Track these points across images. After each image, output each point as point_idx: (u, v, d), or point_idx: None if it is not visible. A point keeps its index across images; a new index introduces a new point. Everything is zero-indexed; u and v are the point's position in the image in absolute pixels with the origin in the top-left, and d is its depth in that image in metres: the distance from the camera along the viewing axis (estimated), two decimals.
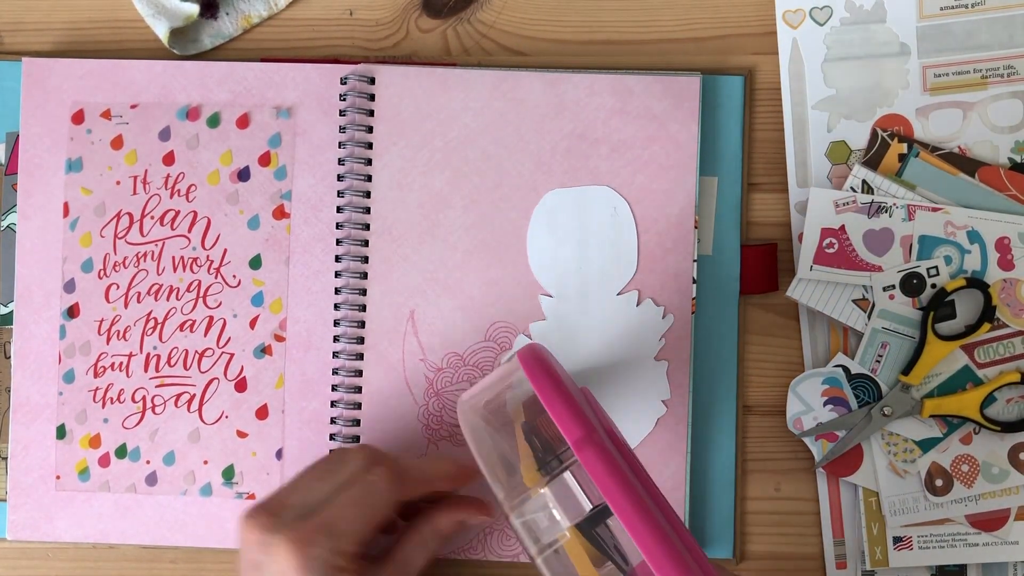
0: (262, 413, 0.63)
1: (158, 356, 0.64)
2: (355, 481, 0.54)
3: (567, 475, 0.48)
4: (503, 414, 0.51)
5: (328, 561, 0.51)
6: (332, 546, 0.51)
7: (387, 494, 0.54)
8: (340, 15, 0.65)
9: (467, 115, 0.63)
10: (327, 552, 0.51)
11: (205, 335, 0.64)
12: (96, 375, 0.63)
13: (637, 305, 0.62)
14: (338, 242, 0.63)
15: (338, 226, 0.63)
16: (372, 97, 0.63)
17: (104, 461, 0.63)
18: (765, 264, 0.63)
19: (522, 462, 0.50)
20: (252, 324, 0.63)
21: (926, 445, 0.62)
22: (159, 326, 0.64)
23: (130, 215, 0.64)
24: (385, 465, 0.55)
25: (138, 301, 0.64)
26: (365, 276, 0.63)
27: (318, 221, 0.63)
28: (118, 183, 0.64)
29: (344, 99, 0.63)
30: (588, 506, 0.47)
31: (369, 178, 0.63)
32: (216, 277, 0.64)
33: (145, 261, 0.64)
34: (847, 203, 0.62)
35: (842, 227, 0.62)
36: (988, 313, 0.61)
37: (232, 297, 0.64)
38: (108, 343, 0.64)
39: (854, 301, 0.62)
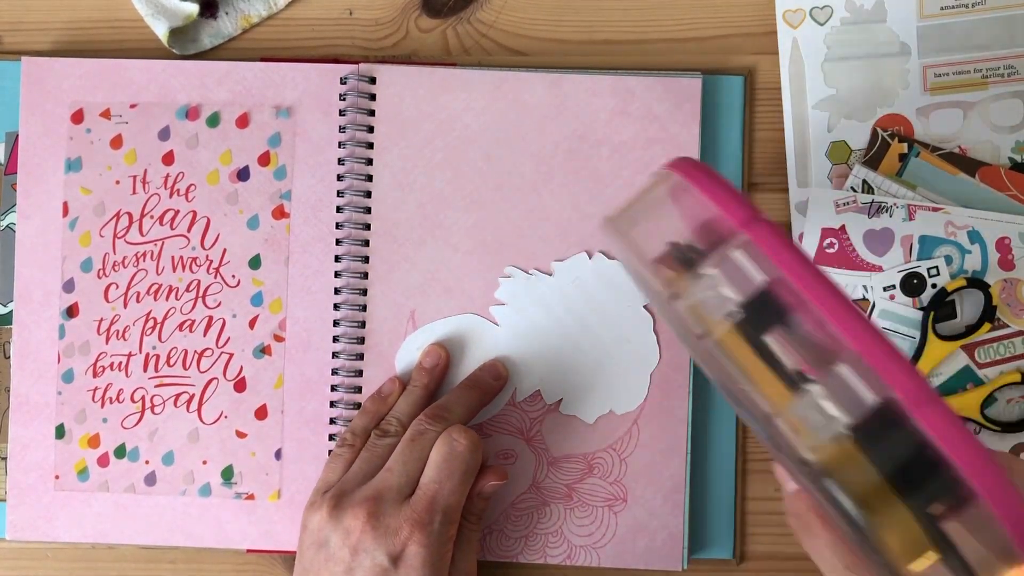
0: (261, 413, 0.63)
1: (157, 356, 0.63)
2: (449, 456, 0.57)
3: (736, 253, 0.42)
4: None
5: (442, 535, 0.56)
6: (443, 519, 0.56)
7: (475, 461, 0.58)
8: (340, 15, 0.65)
9: (468, 115, 0.63)
10: (442, 526, 0.56)
11: (204, 335, 0.63)
12: (95, 375, 0.63)
13: (590, 259, 0.62)
14: (338, 242, 0.63)
15: (338, 226, 0.63)
16: (373, 97, 0.63)
17: (103, 461, 0.63)
18: None
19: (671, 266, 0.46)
20: (251, 324, 0.63)
21: None
22: (158, 326, 0.63)
23: (129, 215, 0.64)
24: (467, 436, 0.57)
25: (137, 301, 0.64)
26: (365, 276, 0.63)
27: (318, 221, 0.63)
28: (117, 183, 0.64)
29: (344, 99, 0.63)
30: (760, 280, 0.42)
31: (370, 178, 0.63)
32: (215, 277, 0.63)
33: (144, 261, 0.64)
34: (847, 203, 0.62)
35: (842, 227, 0.62)
36: (988, 313, 0.61)
37: (231, 297, 0.63)
38: (107, 343, 0.63)
39: (854, 301, 0.62)
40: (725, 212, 0.42)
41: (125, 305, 0.64)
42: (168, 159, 0.64)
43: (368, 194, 0.63)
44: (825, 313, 0.40)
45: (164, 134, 0.64)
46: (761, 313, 0.42)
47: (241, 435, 0.63)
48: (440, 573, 0.56)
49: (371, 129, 0.63)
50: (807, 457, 0.41)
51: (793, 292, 0.41)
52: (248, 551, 0.63)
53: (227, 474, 0.63)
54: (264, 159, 0.64)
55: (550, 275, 0.63)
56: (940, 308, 0.61)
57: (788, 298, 0.42)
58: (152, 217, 0.64)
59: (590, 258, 0.63)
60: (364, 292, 0.63)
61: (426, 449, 0.58)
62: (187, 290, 0.63)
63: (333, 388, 0.63)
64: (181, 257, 0.64)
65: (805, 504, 0.49)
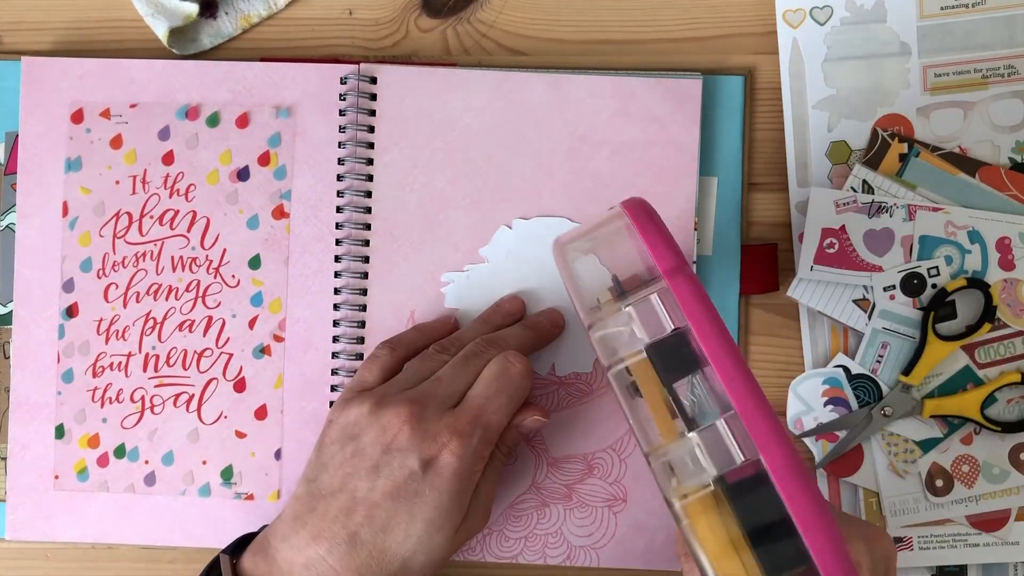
0: (261, 413, 0.63)
1: (157, 356, 0.63)
2: (500, 375, 0.56)
3: (653, 297, 0.48)
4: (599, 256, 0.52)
5: (478, 452, 0.54)
6: (483, 436, 0.54)
7: (525, 388, 0.57)
8: (340, 15, 0.65)
9: (469, 115, 0.63)
10: (480, 443, 0.54)
11: (204, 335, 0.63)
12: (95, 375, 0.63)
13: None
14: (338, 242, 0.63)
15: (338, 226, 0.63)
16: (373, 97, 0.63)
17: (103, 461, 0.63)
18: (765, 264, 0.63)
19: (610, 300, 0.50)
20: (251, 324, 0.63)
21: (926, 445, 0.62)
22: (158, 326, 0.63)
23: (129, 215, 0.64)
24: (522, 361, 0.56)
25: (137, 301, 0.64)
26: (365, 276, 0.63)
27: (318, 221, 0.63)
28: (117, 182, 0.64)
29: (344, 99, 0.63)
30: (670, 327, 0.47)
31: (370, 178, 0.63)
32: (215, 277, 0.63)
33: (144, 261, 0.64)
34: (847, 203, 0.62)
35: (842, 227, 0.62)
36: (989, 313, 0.61)
37: (231, 297, 0.63)
38: (107, 343, 0.63)
39: (855, 301, 0.62)
40: (655, 257, 0.46)
41: (125, 305, 0.64)
42: (168, 159, 0.64)
43: (368, 194, 0.63)
44: (718, 370, 0.44)
45: (164, 134, 0.64)
46: (662, 357, 0.47)
47: (241, 435, 0.63)
48: (466, 489, 0.54)
49: (371, 129, 0.63)
50: (671, 499, 0.45)
51: (696, 345, 0.45)
52: None
53: (227, 474, 0.63)
54: (264, 159, 0.64)
55: (484, 263, 0.63)
56: (940, 308, 0.61)
57: (691, 349, 0.46)
58: (152, 217, 0.64)
59: (510, 229, 0.63)
60: (364, 292, 0.63)
61: (479, 368, 0.56)
62: (187, 290, 0.63)
63: (333, 388, 0.63)
64: (181, 257, 0.64)
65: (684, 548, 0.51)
